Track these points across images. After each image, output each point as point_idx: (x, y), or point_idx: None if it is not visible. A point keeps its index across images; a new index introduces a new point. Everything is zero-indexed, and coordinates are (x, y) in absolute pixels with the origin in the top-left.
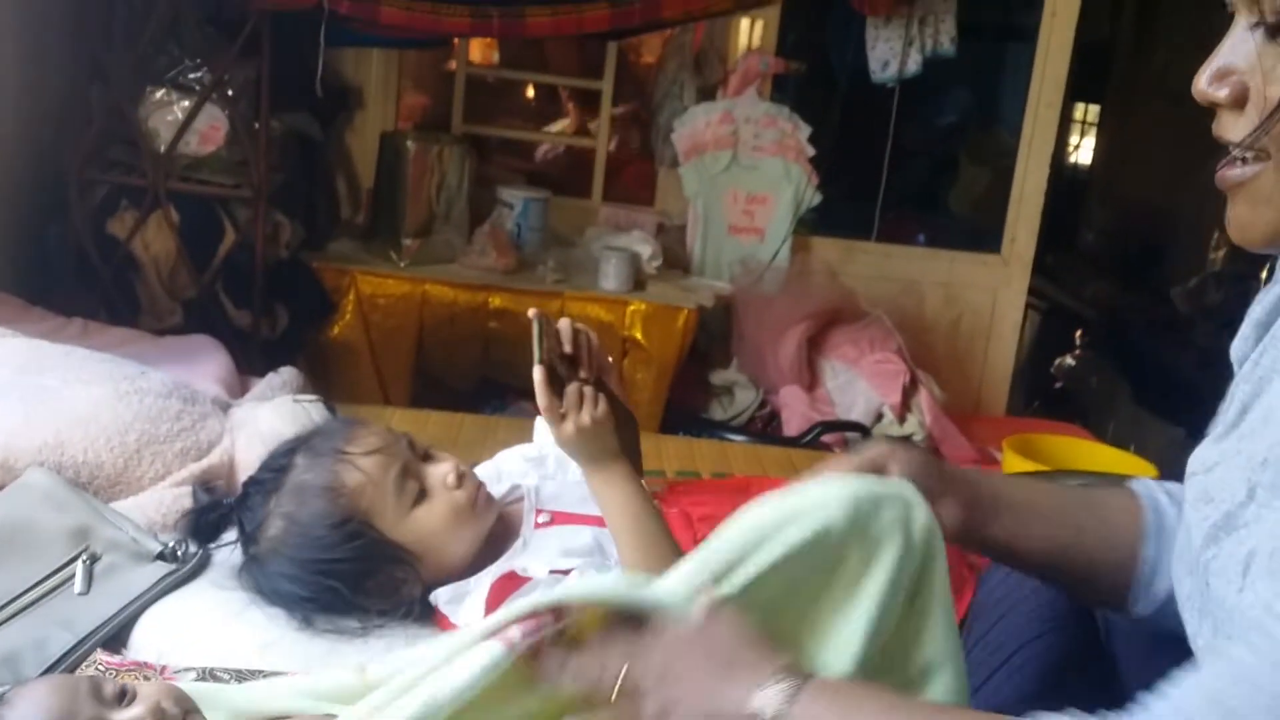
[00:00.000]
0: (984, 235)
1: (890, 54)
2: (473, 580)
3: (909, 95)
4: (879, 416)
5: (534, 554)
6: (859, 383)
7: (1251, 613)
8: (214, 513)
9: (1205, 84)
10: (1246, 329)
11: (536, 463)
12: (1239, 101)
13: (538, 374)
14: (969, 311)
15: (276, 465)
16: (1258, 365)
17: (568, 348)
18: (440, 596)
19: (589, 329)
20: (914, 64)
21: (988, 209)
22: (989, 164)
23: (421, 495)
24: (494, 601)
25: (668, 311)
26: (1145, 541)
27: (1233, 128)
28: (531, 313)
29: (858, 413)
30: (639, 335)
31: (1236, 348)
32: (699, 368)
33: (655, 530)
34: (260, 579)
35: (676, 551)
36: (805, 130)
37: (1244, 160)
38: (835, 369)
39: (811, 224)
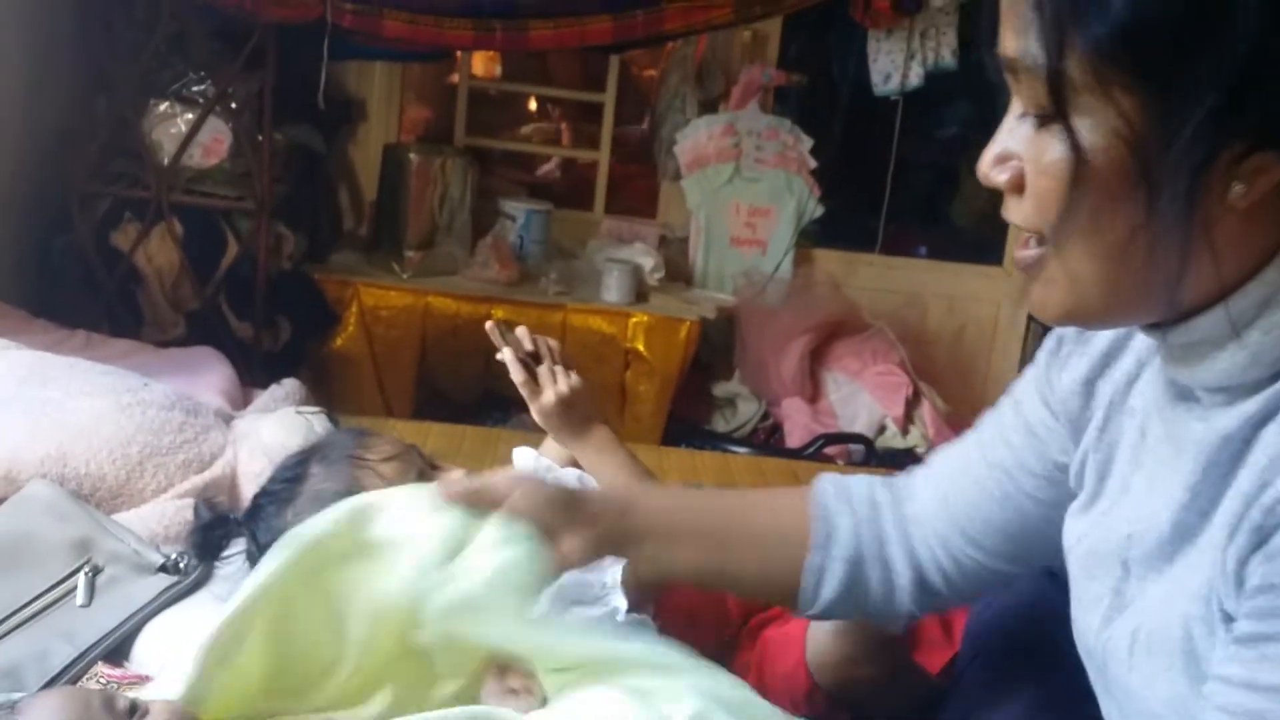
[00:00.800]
0: (986, 247)
1: (892, 66)
2: None
3: (911, 108)
4: (881, 428)
5: None
6: (862, 395)
7: (1145, 702)
8: (219, 528)
9: (987, 168)
10: (1071, 383)
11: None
12: (1018, 187)
13: (507, 354)
14: (972, 323)
15: (289, 476)
16: (1104, 433)
17: (528, 347)
18: None
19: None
20: (915, 77)
21: (990, 221)
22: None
23: None
24: None
25: (670, 323)
26: (811, 552)
27: (1015, 212)
28: (489, 325)
29: (860, 424)
30: (641, 347)
31: (1067, 400)
32: (701, 379)
33: None
34: None
35: None
36: (807, 142)
37: (1030, 243)
38: (838, 381)
39: (814, 236)
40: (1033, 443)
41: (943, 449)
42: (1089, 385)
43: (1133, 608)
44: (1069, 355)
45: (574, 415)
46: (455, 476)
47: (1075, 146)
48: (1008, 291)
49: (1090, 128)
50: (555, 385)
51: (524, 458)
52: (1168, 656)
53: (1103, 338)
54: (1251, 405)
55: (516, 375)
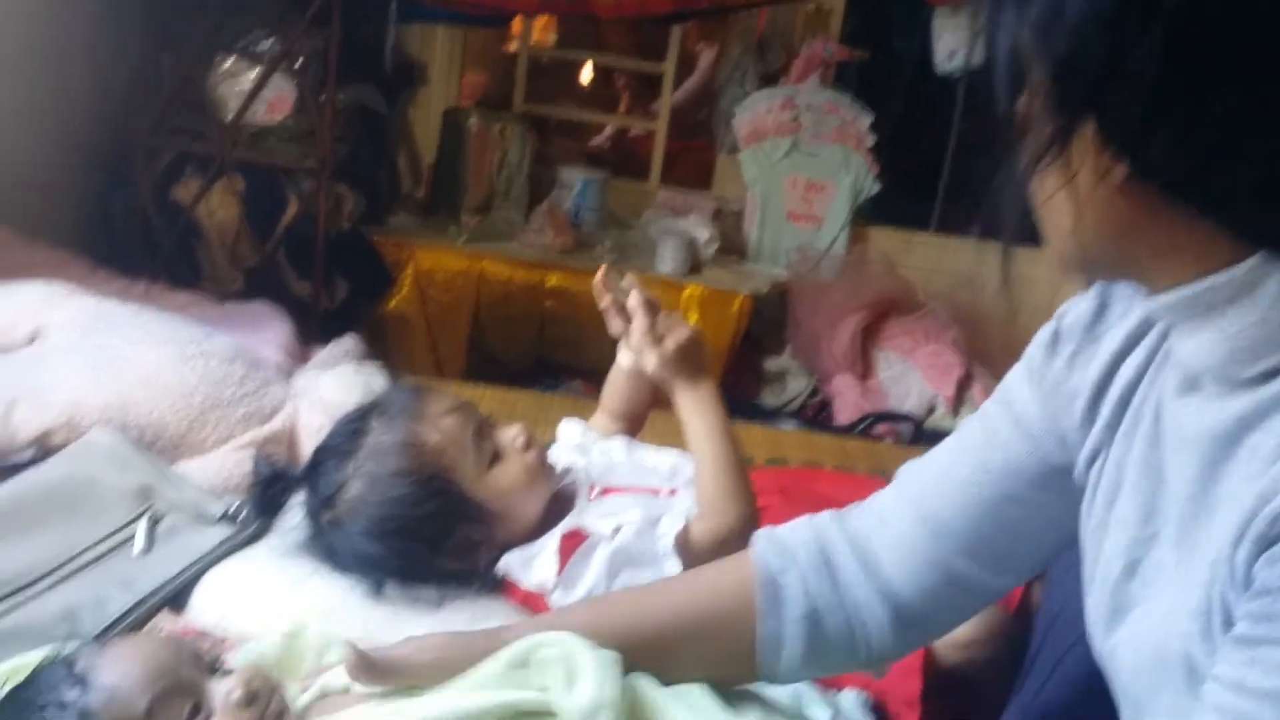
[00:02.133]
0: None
1: (957, 44)
2: (538, 543)
3: (973, 86)
4: (931, 409)
5: (593, 515)
6: (913, 374)
7: (1153, 715)
8: (279, 484)
9: None
10: (1080, 382)
11: (581, 449)
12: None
13: (635, 296)
14: (1027, 306)
15: (349, 431)
16: (1113, 431)
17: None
18: (509, 562)
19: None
20: (980, 55)
21: None
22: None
23: (496, 456)
24: (565, 556)
25: (723, 296)
26: (761, 621)
27: None
28: (603, 270)
29: (911, 404)
30: (694, 319)
31: (1074, 398)
32: (752, 354)
33: (735, 456)
34: (337, 543)
35: (748, 482)
36: (867, 118)
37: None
38: (889, 359)
39: (870, 213)
40: (1025, 442)
41: (911, 464)
42: (1101, 384)
43: (1134, 615)
44: (1074, 355)
45: (690, 364)
46: (512, 433)
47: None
48: (1063, 274)
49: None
50: (675, 334)
51: (571, 429)
52: (1168, 672)
53: (1115, 335)
54: (1244, 402)
55: (640, 320)
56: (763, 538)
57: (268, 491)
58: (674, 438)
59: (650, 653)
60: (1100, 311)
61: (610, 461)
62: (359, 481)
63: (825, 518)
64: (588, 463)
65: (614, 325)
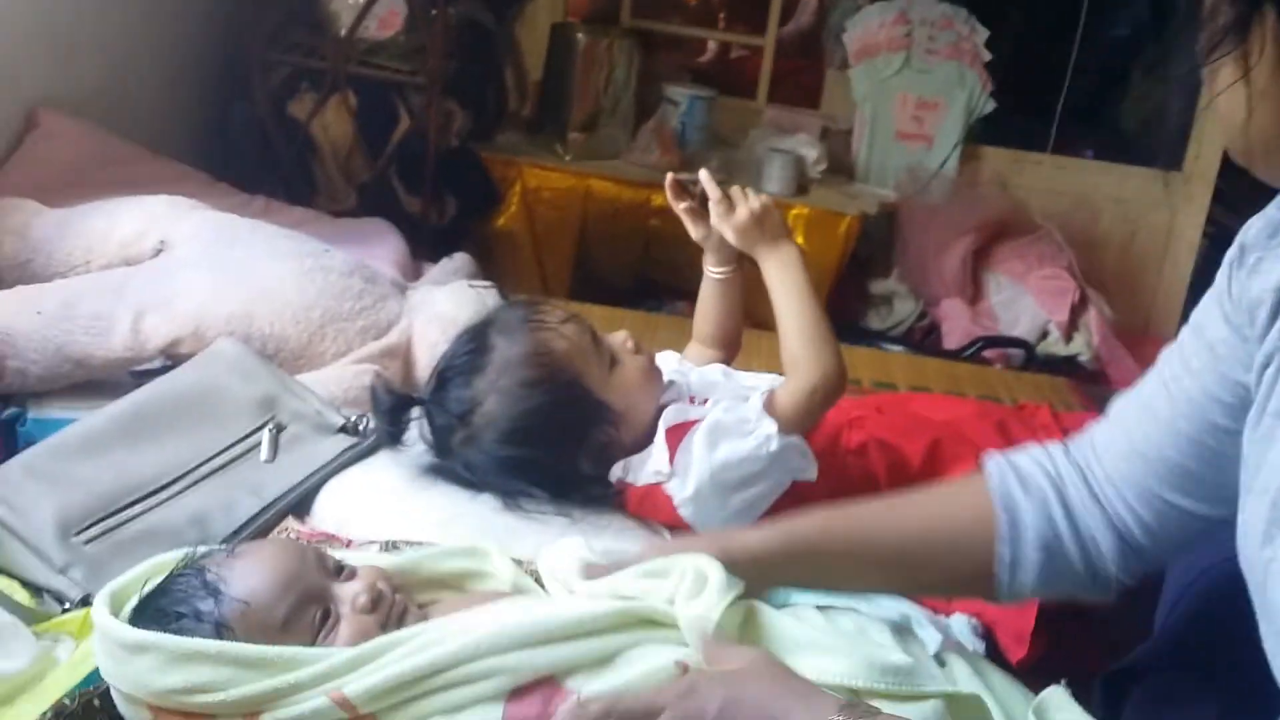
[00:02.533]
0: (1164, 151)
1: None
2: (648, 449)
3: (1095, 2)
4: (1044, 334)
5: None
6: (1025, 298)
7: None
8: (402, 409)
9: None
10: (1261, 290)
11: (680, 373)
12: None
13: (704, 174)
14: (1145, 229)
15: (470, 350)
16: None
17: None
18: (626, 467)
19: None
20: None
21: (1166, 124)
22: (1171, 76)
23: (612, 361)
24: (672, 446)
25: (830, 217)
26: (999, 545)
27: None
28: (669, 178)
29: (1022, 329)
30: (800, 240)
31: (1254, 310)
32: (859, 276)
33: (820, 314)
34: (474, 460)
35: (834, 340)
36: (983, 34)
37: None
38: (1000, 283)
39: (982, 133)
40: (1216, 366)
41: (1121, 396)
42: None
43: None
44: (1259, 261)
45: (767, 228)
46: (620, 338)
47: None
48: (1186, 197)
49: None
50: (747, 202)
51: (667, 361)
52: None
53: None
54: None
55: (713, 191)
56: (998, 463)
57: (393, 420)
58: (771, 365)
59: (890, 564)
60: None
61: (708, 380)
62: (494, 396)
63: (1056, 448)
64: (687, 381)
65: (694, 229)
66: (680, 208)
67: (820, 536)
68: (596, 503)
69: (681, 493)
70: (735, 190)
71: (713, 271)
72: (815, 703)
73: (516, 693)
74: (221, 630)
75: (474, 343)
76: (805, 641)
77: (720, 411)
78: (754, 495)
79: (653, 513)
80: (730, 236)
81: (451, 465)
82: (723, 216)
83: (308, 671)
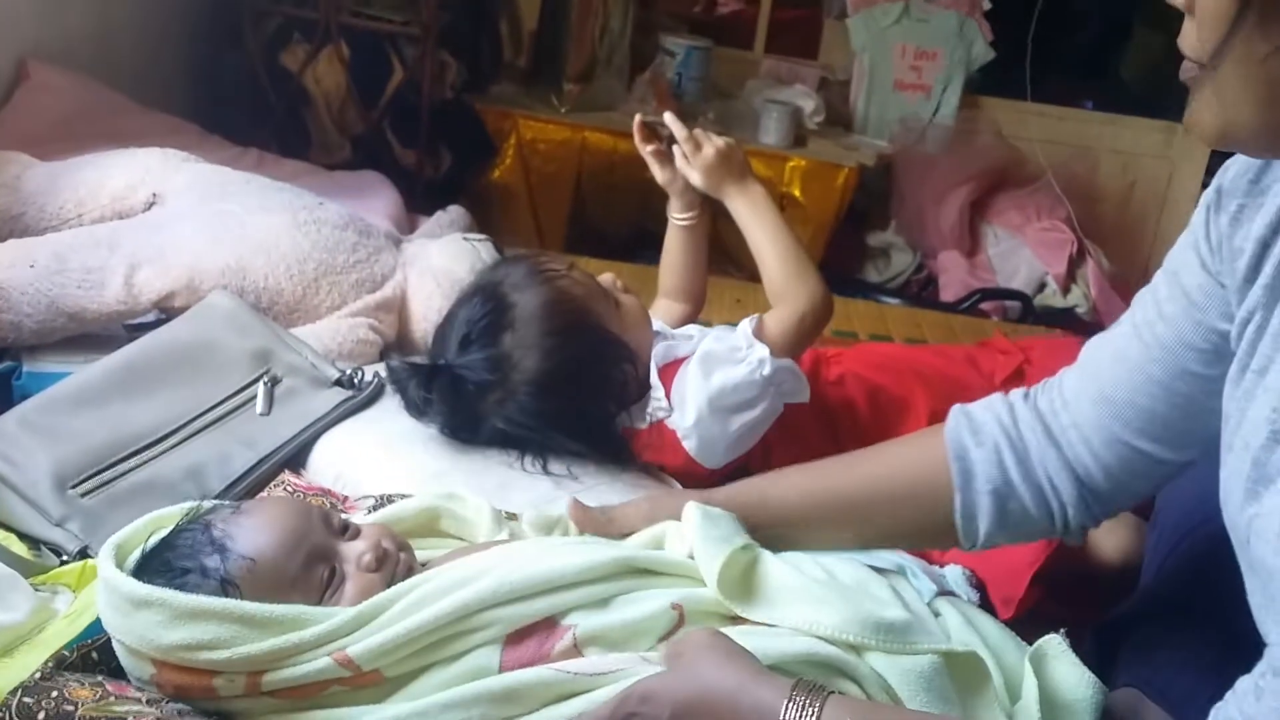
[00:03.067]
0: (1164, 102)
1: None
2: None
3: None
4: (1041, 286)
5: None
6: (1022, 250)
7: None
8: (430, 378)
9: None
10: (1244, 240)
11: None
12: (1190, 9)
13: (670, 115)
14: (1144, 180)
15: (489, 309)
16: (1272, 291)
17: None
18: (629, 415)
19: None
20: None
21: (1167, 74)
22: (1168, 27)
23: (615, 301)
24: (666, 383)
25: (827, 169)
26: (956, 494)
27: (1185, 38)
28: (637, 119)
29: (1019, 281)
30: (797, 192)
31: (1235, 258)
32: (856, 228)
33: (795, 244)
34: (512, 416)
35: (813, 267)
36: None
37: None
38: (998, 235)
39: (981, 82)
40: (1191, 312)
41: (1093, 341)
42: (1266, 239)
43: (1278, 485)
44: (1240, 209)
45: (733, 166)
46: (610, 278)
47: None
48: (1186, 149)
49: None
50: (712, 141)
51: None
52: None
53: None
54: None
55: (679, 131)
56: (954, 414)
57: (420, 389)
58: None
59: (853, 517)
60: (1265, 164)
61: (687, 333)
62: (525, 351)
63: (1016, 395)
64: (666, 329)
65: (660, 172)
66: (646, 151)
67: (792, 488)
68: (616, 460)
69: (683, 423)
70: (699, 131)
71: (678, 218)
72: (766, 685)
73: (515, 635)
74: (227, 587)
75: (491, 301)
76: (801, 593)
77: (711, 341)
78: (752, 419)
79: (659, 456)
80: (696, 178)
81: (475, 433)
82: (690, 157)
83: (312, 632)
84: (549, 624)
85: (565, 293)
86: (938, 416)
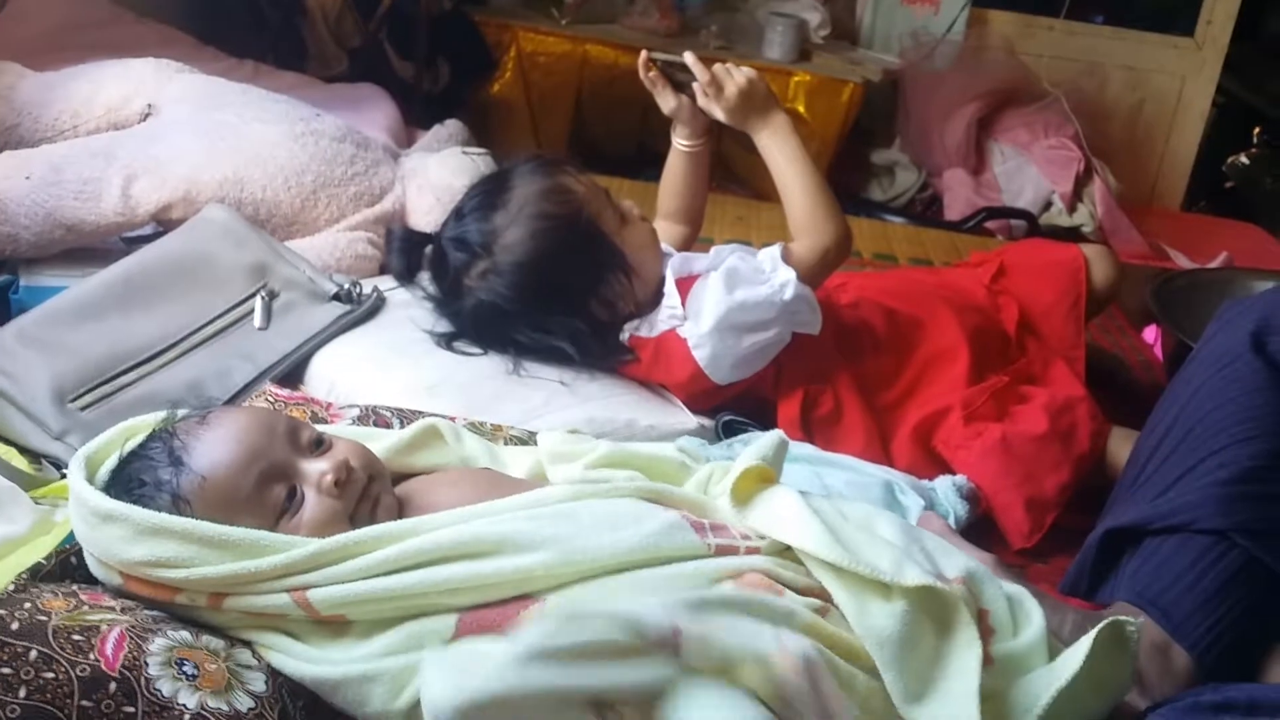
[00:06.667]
0: (1176, 17)
1: None
2: (660, 305)
3: None
4: (1047, 205)
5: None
6: (1029, 169)
7: None
8: (421, 244)
9: None
10: None
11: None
12: None
13: (689, 56)
14: (1153, 97)
15: (488, 188)
16: None
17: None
18: (640, 324)
19: None
20: None
21: None
22: None
23: (624, 218)
24: (682, 293)
25: (832, 84)
26: None
27: None
28: (643, 55)
29: (1025, 200)
30: (801, 108)
31: None
32: (861, 145)
33: (820, 178)
34: (491, 295)
35: (836, 202)
36: None
37: None
38: (1004, 153)
39: None
40: None
41: None
42: None
43: None
44: None
45: (757, 101)
46: (629, 203)
47: None
48: (1197, 65)
49: None
50: (734, 79)
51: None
52: None
53: None
54: None
55: (701, 74)
56: None
57: (407, 253)
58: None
59: None
60: None
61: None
62: (516, 227)
63: None
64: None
65: (665, 101)
66: (648, 77)
67: None
68: (606, 360)
69: (697, 331)
70: (719, 69)
71: (682, 144)
72: None
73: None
74: (179, 503)
75: (492, 183)
76: (799, 528)
77: (736, 259)
78: (763, 341)
79: (665, 373)
80: (721, 116)
81: (458, 310)
82: (713, 99)
83: (268, 561)
84: (522, 598)
85: (564, 186)
86: (964, 320)
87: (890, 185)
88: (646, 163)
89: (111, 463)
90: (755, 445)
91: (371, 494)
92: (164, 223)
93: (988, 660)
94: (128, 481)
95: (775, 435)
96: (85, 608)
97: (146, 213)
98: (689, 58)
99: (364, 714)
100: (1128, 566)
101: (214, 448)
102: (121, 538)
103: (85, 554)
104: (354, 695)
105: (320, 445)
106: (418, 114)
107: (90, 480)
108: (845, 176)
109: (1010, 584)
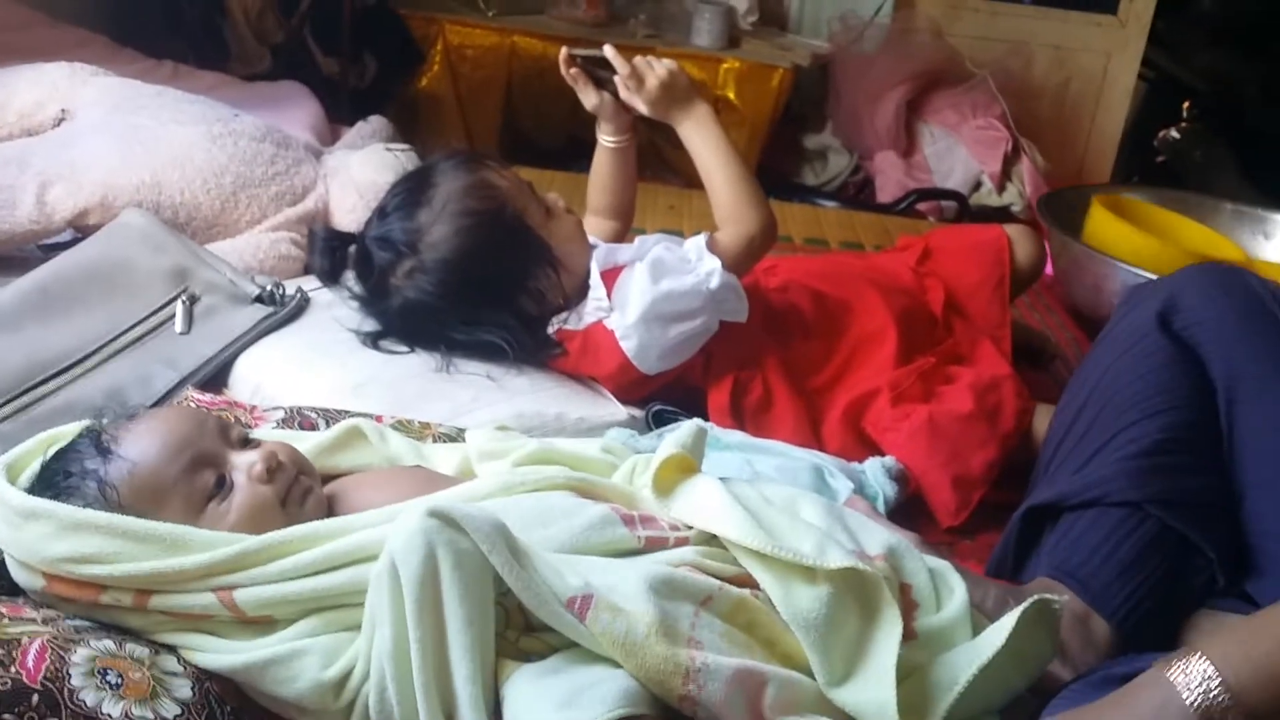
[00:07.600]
0: None
1: None
2: (586, 299)
3: None
4: (977, 185)
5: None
6: (958, 149)
7: None
8: (343, 244)
9: None
10: None
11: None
12: None
13: (609, 49)
14: (1079, 76)
15: (411, 186)
16: None
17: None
18: (560, 320)
19: None
20: None
21: None
22: None
23: (549, 212)
24: (608, 285)
25: (762, 70)
26: None
27: None
28: (564, 51)
29: (955, 181)
30: (731, 95)
31: None
32: (792, 130)
33: (744, 168)
34: (416, 294)
35: (761, 191)
36: None
37: None
38: (934, 134)
39: None
40: None
41: None
42: None
43: None
44: None
45: (678, 92)
46: (553, 196)
47: None
48: (1121, 42)
49: None
50: (654, 71)
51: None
52: None
53: None
54: None
55: (622, 68)
56: None
57: (330, 252)
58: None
59: None
60: None
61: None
62: (441, 224)
63: None
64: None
65: (587, 99)
66: (569, 74)
67: None
68: (534, 354)
69: (623, 322)
70: (639, 61)
71: (608, 140)
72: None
73: None
74: (105, 489)
75: (415, 180)
76: (721, 516)
77: (661, 250)
78: (690, 330)
79: (593, 365)
80: (644, 109)
81: (385, 309)
82: (633, 91)
83: (193, 560)
84: None
85: (488, 181)
86: (892, 303)
87: (823, 170)
88: (578, 154)
89: (34, 468)
90: (674, 435)
91: (302, 485)
92: (81, 229)
93: (911, 635)
94: (53, 477)
95: (694, 424)
96: (5, 620)
97: (63, 219)
98: (609, 50)
99: (295, 692)
100: (1047, 542)
101: (143, 438)
102: (45, 535)
103: (6, 559)
104: (285, 672)
105: (248, 443)
106: (344, 111)
107: (12, 485)
108: (778, 162)
109: (933, 558)
